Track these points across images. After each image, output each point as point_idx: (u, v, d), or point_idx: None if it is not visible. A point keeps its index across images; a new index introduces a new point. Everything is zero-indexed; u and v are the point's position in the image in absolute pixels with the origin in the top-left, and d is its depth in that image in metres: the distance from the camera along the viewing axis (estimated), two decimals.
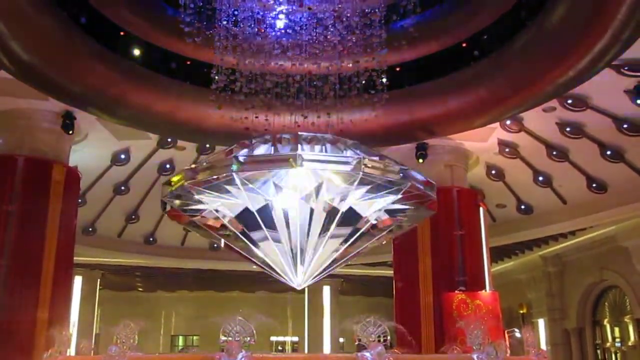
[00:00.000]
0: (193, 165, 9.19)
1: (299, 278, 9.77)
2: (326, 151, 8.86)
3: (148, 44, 13.46)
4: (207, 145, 16.42)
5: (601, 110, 14.15)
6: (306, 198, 9.03)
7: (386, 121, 13.44)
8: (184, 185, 8.68)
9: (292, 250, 9.49)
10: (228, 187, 8.84)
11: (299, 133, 9.49)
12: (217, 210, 9.57)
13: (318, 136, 9.31)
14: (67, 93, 13.03)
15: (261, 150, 8.94)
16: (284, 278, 9.94)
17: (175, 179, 9.04)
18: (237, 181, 8.51)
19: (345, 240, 9.77)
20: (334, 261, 10.00)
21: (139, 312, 26.01)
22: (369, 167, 8.38)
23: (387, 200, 9.35)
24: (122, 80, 13.00)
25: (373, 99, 11.20)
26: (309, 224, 9.22)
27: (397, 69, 13.34)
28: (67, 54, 12.19)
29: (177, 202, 9.43)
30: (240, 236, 9.79)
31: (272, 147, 8.94)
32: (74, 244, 14.62)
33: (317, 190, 8.95)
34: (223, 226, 9.84)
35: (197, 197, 8.99)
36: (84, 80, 12.68)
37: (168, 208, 9.63)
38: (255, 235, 9.69)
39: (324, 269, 10.04)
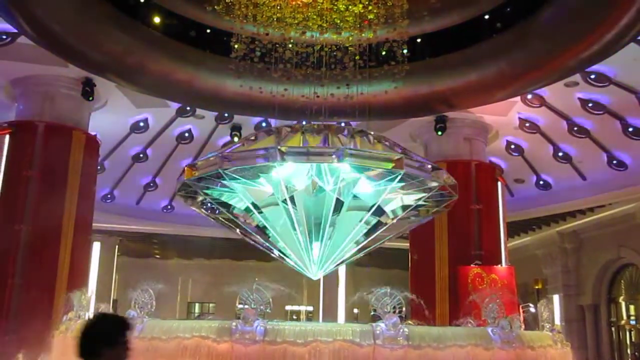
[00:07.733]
0: (227, 151, 9.25)
1: (314, 269, 9.86)
2: (355, 145, 8.95)
3: (168, 11, 13.40)
4: (226, 114, 16.42)
5: (624, 86, 13.95)
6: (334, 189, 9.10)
7: (406, 93, 13.33)
8: (214, 170, 8.71)
9: (310, 240, 9.58)
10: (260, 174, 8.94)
11: (329, 124, 9.54)
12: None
13: (343, 127, 9.38)
14: (86, 60, 13.05)
15: (293, 140, 8.93)
16: (299, 267, 10.02)
17: (200, 163, 9.09)
18: (273, 170, 8.65)
19: (367, 234, 9.88)
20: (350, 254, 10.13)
21: (156, 279, 26.23)
22: (410, 167, 8.55)
23: (414, 197, 9.45)
24: (141, 48, 12.97)
25: (393, 70, 11.07)
26: (332, 215, 9.30)
27: (418, 41, 13.20)
28: (87, 20, 12.15)
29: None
30: (261, 220, 9.86)
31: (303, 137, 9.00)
32: (92, 210, 14.79)
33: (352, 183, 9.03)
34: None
35: (225, 182, 9.04)
36: (103, 47, 12.67)
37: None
38: (275, 222, 9.77)
39: (339, 262, 10.17)
